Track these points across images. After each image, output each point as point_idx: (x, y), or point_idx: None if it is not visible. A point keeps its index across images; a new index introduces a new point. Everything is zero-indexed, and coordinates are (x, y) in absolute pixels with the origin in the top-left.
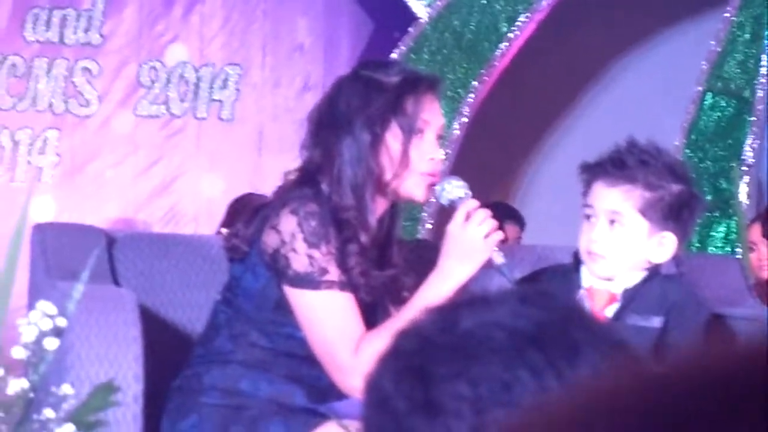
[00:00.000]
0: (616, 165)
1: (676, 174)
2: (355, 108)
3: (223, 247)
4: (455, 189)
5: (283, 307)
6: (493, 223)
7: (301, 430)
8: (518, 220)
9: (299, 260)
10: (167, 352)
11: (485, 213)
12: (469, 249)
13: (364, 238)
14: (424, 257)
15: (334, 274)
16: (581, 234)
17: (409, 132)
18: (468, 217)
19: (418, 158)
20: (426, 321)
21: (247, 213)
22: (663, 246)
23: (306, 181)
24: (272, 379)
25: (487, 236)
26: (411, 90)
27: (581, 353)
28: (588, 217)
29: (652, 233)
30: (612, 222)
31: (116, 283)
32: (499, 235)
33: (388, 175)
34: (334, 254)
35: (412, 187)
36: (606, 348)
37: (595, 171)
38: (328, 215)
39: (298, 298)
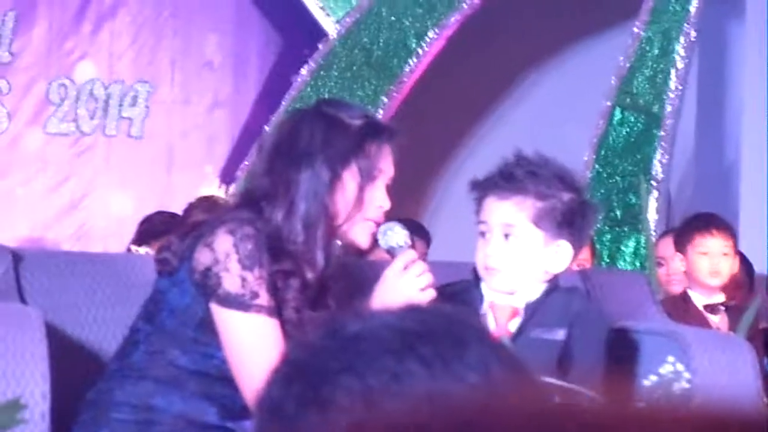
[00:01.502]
0: (505, 178)
1: (566, 182)
2: (318, 144)
3: (154, 260)
4: (396, 236)
5: (205, 326)
6: (430, 278)
7: None
8: (425, 237)
9: (231, 280)
10: (74, 370)
11: (424, 266)
12: (402, 299)
13: (310, 275)
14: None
15: (264, 298)
16: (477, 251)
17: (367, 176)
18: (406, 267)
19: (369, 204)
20: (314, 333)
21: (183, 229)
22: (559, 255)
23: (247, 205)
24: (185, 396)
25: (422, 290)
26: (374, 136)
27: (469, 346)
28: (483, 234)
29: (547, 243)
30: (506, 235)
31: (23, 301)
32: (433, 294)
33: (341, 216)
34: (266, 279)
35: (359, 232)
36: (492, 345)
37: (485, 187)
38: (264, 241)
39: (225, 318)
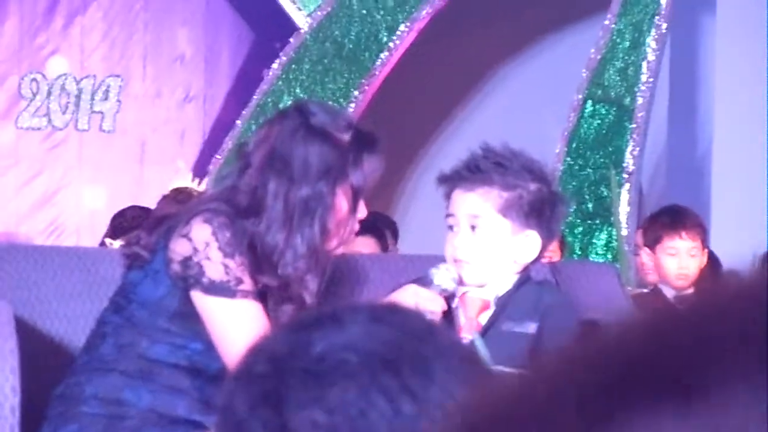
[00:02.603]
0: (471, 170)
1: (534, 173)
2: (315, 164)
3: (122, 254)
4: (446, 281)
5: (179, 317)
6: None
7: None
8: (393, 230)
9: (214, 268)
10: (45, 364)
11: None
12: None
13: (308, 298)
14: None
15: (248, 284)
16: (446, 244)
17: (360, 191)
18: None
19: (356, 218)
20: (277, 342)
21: (151, 222)
22: (527, 245)
23: (220, 201)
24: (154, 389)
25: None
26: (368, 150)
27: (433, 374)
28: (451, 227)
29: (515, 232)
30: (473, 227)
31: None
32: None
33: (335, 236)
34: (247, 265)
35: (339, 244)
36: (457, 365)
37: (452, 180)
38: (240, 230)
39: (212, 306)
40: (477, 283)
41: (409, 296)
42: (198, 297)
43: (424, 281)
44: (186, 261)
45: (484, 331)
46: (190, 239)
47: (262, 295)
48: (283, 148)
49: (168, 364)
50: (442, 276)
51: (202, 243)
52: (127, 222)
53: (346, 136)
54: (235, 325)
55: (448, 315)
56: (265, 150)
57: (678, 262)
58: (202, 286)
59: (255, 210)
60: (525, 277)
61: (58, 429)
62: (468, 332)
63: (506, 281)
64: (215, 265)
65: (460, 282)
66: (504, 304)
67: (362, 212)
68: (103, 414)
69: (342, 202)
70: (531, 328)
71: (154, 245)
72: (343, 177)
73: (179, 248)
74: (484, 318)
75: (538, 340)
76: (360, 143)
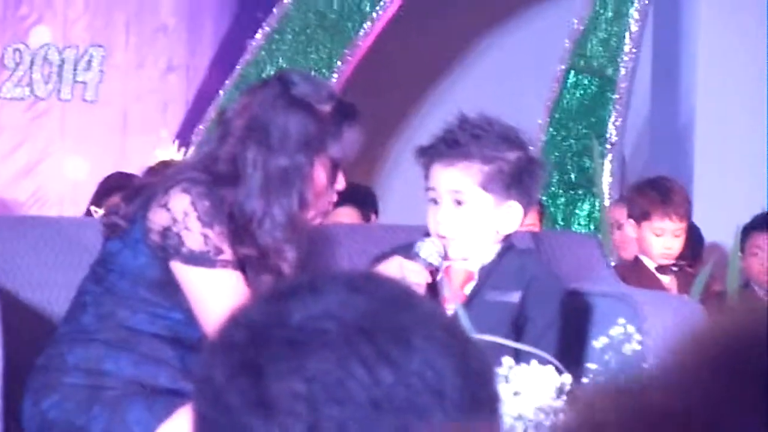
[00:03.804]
0: (449, 144)
1: (511, 141)
2: (294, 135)
3: (101, 224)
4: (432, 255)
5: (159, 286)
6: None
7: (163, 411)
8: (372, 202)
9: (193, 238)
10: (27, 334)
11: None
12: None
13: (285, 268)
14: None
15: (228, 253)
16: (429, 218)
17: (339, 162)
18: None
19: (333, 189)
20: (255, 312)
21: (130, 191)
22: (510, 215)
23: (198, 170)
24: (136, 359)
25: None
26: (348, 122)
27: (412, 342)
28: (433, 200)
29: (497, 204)
30: (457, 202)
31: None
32: None
33: (312, 207)
34: (226, 234)
35: (317, 215)
36: (436, 333)
37: (430, 154)
38: (219, 199)
39: (191, 276)
40: (461, 257)
41: (395, 268)
42: (178, 267)
43: (410, 254)
44: (165, 231)
45: (469, 301)
46: (168, 209)
47: (241, 266)
48: (263, 117)
49: (149, 333)
50: (428, 249)
51: (181, 213)
52: (112, 189)
53: (326, 108)
54: (215, 295)
55: (433, 287)
56: (245, 119)
57: (663, 241)
58: (182, 256)
59: (234, 178)
60: (507, 245)
61: (40, 400)
62: (452, 303)
63: (489, 251)
64: (194, 235)
65: (445, 256)
66: (488, 274)
67: (340, 184)
68: (85, 384)
69: (320, 174)
70: (514, 297)
71: (133, 215)
72: (322, 148)
73: (158, 218)
74: (468, 288)
75: (522, 308)
76: (340, 115)
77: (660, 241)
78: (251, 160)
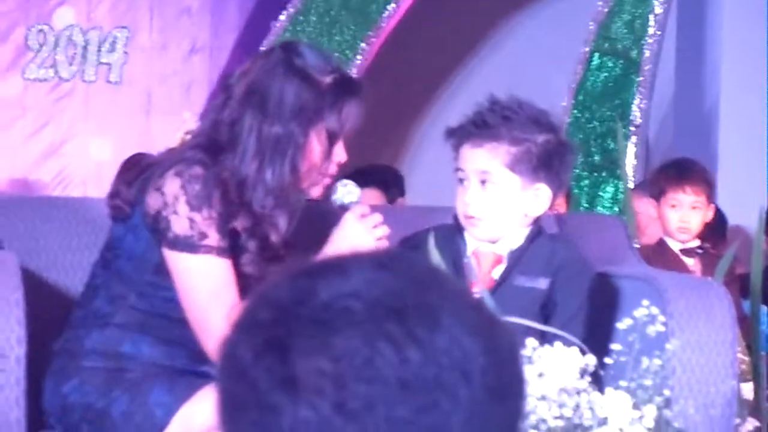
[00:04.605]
0: (478, 125)
1: (541, 124)
2: (290, 102)
3: (108, 207)
4: (349, 194)
5: (163, 269)
6: (386, 230)
7: (184, 391)
8: (399, 185)
9: (180, 223)
10: (50, 315)
11: (380, 218)
12: (358, 244)
13: (273, 237)
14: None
15: (213, 239)
16: (457, 199)
17: (334, 136)
18: (362, 217)
19: (330, 161)
20: (282, 290)
21: (131, 174)
22: (538, 198)
23: (204, 150)
24: (152, 341)
25: (378, 240)
26: (345, 94)
27: (439, 320)
28: (461, 181)
29: (525, 187)
30: (483, 182)
31: None
32: (386, 244)
33: (306, 177)
34: (216, 219)
35: (311, 185)
36: (463, 312)
37: (460, 134)
38: (213, 180)
39: (176, 261)
40: (489, 239)
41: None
42: (165, 252)
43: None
44: (157, 215)
45: (497, 286)
46: (162, 193)
47: (233, 241)
48: (261, 83)
49: (161, 315)
50: (341, 192)
51: (172, 196)
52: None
53: (327, 79)
54: (196, 281)
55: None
56: (246, 83)
57: (680, 215)
58: (168, 241)
59: (233, 143)
60: (537, 230)
61: (60, 384)
62: (481, 286)
63: (518, 235)
64: (181, 219)
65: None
66: (517, 259)
67: (341, 156)
68: (104, 367)
69: (316, 145)
70: (543, 283)
71: (134, 198)
72: (318, 119)
73: (153, 202)
74: (497, 272)
75: (550, 295)
76: (340, 87)
77: (676, 214)
78: (247, 125)
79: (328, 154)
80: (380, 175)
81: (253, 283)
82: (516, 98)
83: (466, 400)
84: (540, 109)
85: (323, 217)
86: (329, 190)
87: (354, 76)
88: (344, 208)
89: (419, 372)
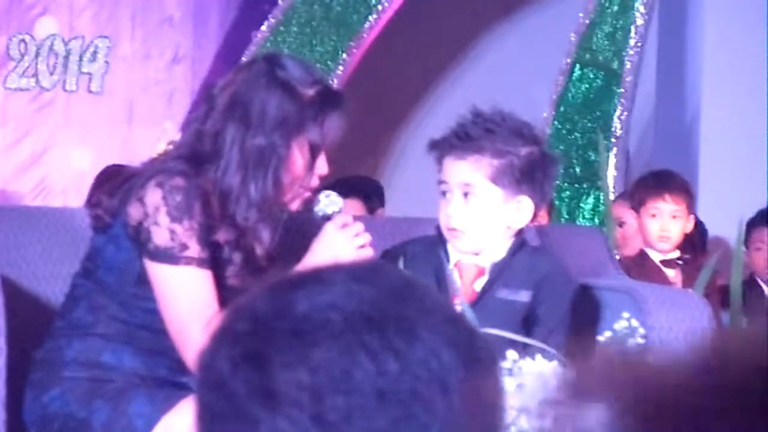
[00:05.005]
0: (461, 137)
1: (524, 136)
2: (272, 115)
3: (89, 217)
4: (331, 204)
5: (144, 280)
6: (368, 238)
7: (165, 402)
8: (379, 195)
9: (161, 234)
10: (30, 325)
11: (361, 227)
12: (339, 254)
13: (258, 249)
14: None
15: (194, 250)
16: (440, 211)
17: (317, 148)
18: (344, 227)
19: (312, 173)
20: (260, 301)
21: (113, 184)
22: (520, 210)
23: (187, 160)
24: (134, 351)
25: (359, 248)
26: (327, 106)
27: (417, 332)
28: (444, 193)
29: (507, 199)
30: (466, 195)
31: None
32: (370, 252)
33: (288, 190)
34: (197, 230)
35: (292, 198)
36: (441, 323)
37: (442, 147)
38: (194, 191)
39: (156, 272)
40: (472, 251)
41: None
42: (146, 263)
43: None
44: (138, 226)
45: (479, 298)
46: (144, 203)
47: (214, 258)
48: (244, 95)
49: (143, 326)
50: (323, 202)
51: (153, 207)
52: (106, 182)
53: (309, 91)
54: (176, 292)
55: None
56: (228, 95)
57: (660, 224)
58: (148, 252)
59: (215, 155)
60: (519, 242)
61: (41, 394)
62: (463, 298)
63: (500, 247)
64: (162, 230)
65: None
66: (499, 272)
67: (322, 169)
68: (86, 377)
69: (298, 157)
70: (525, 296)
71: (115, 209)
72: (300, 131)
73: (134, 212)
74: (479, 285)
75: (532, 308)
76: (323, 99)
77: (657, 223)
78: (230, 137)
79: (310, 166)
80: (361, 186)
81: (236, 295)
82: (499, 110)
83: (444, 411)
84: (523, 122)
85: (306, 228)
86: (310, 202)
87: (337, 88)
88: (327, 219)
89: (397, 383)
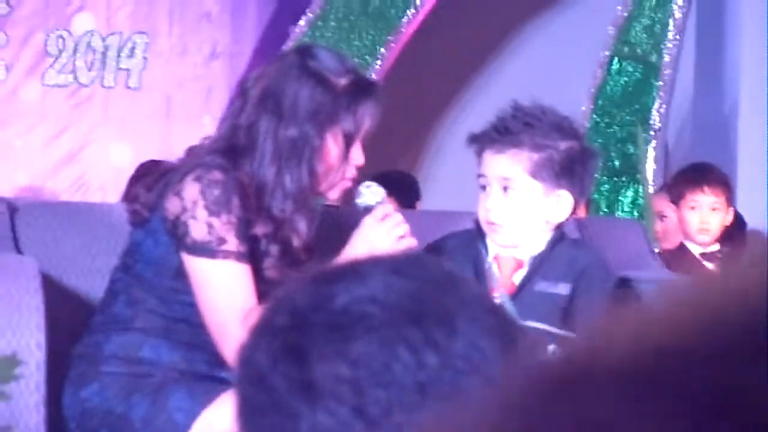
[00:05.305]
0: (500, 131)
1: (563, 131)
2: (304, 106)
3: (127, 212)
4: (374, 195)
5: (182, 274)
6: (407, 228)
7: (204, 396)
8: (415, 189)
9: (198, 228)
10: (69, 320)
11: (400, 217)
12: (378, 245)
13: (296, 241)
14: (331, 222)
15: (232, 244)
16: (479, 205)
17: (351, 139)
18: (384, 218)
19: (349, 164)
20: (299, 295)
21: (151, 178)
22: (560, 205)
23: (223, 154)
24: (173, 346)
25: (399, 239)
26: (360, 96)
27: (457, 325)
28: (483, 187)
29: (546, 193)
30: (505, 189)
31: (18, 251)
32: (412, 242)
33: (324, 181)
34: (235, 224)
35: (328, 187)
36: (481, 315)
37: (482, 140)
38: (232, 184)
39: (194, 266)
40: (510, 244)
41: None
42: (184, 257)
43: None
44: (176, 220)
45: (518, 291)
46: (181, 197)
47: (251, 250)
48: (276, 86)
49: (181, 320)
50: (365, 195)
51: (190, 201)
52: (143, 177)
53: (342, 81)
54: (214, 286)
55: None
56: (261, 87)
57: (700, 216)
58: (186, 246)
59: (250, 147)
60: (559, 235)
61: (80, 389)
62: (501, 291)
63: (540, 241)
64: (200, 224)
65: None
66: (538, 264)
67: (358, 159)
68: (124, 372)
69: (332, 147)
70: (564, 289)
71: (153, 203)
72: (333, 121)
73: (172, 206)
74: (517, 277)
75: (571, 301)
76: (355, 89)
77: (696, 216)
78: (264, 129)
79: (345, 156)
80: (395, 181)
81: (274, 287)
82: (539, 105)
83: None
84: (563, 116)
85: (347, 221)
86: (351, 193)
87: (369, 77)
88: (368, 210)
89: (437, 376)
